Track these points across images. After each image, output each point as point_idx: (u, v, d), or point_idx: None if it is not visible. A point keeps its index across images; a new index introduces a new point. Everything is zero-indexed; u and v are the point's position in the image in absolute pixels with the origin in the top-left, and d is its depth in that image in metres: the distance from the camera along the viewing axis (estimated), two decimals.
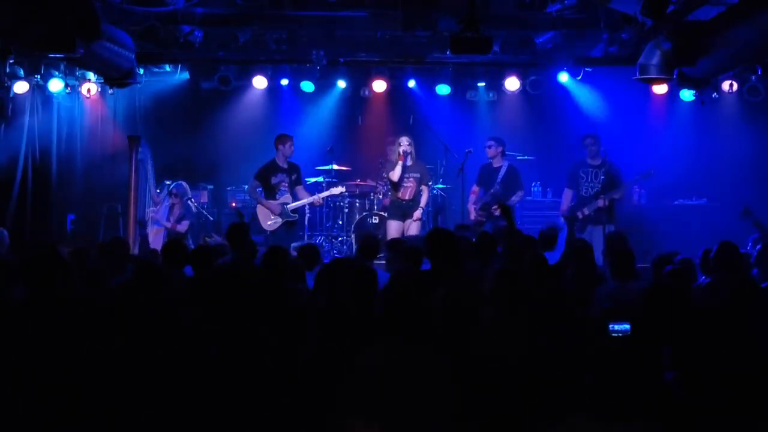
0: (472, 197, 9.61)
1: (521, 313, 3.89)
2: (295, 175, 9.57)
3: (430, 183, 9.61)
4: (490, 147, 9.49)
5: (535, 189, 11.30)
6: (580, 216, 9.01)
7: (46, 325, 3.70)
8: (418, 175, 9.21)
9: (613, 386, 2.76)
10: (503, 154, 9.51)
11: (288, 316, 4.12)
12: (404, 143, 9.14)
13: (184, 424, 3.31)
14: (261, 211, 9.52)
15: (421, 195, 9.30)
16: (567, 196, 9.24)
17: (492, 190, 9.34)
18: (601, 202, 8.83)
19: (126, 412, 3.30)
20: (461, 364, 3.14)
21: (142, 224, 9.61)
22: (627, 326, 3.14)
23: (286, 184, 9.49)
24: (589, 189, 8.99)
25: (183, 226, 9.49)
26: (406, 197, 9.16)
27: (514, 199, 9.30)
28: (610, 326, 3.25)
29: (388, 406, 2.93)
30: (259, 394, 3.32)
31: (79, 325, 3.86)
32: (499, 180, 9.38)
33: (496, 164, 9.50)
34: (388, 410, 2.93)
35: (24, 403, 3.19)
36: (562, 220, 9.27)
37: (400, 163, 9.07)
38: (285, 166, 9.50)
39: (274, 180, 9.45)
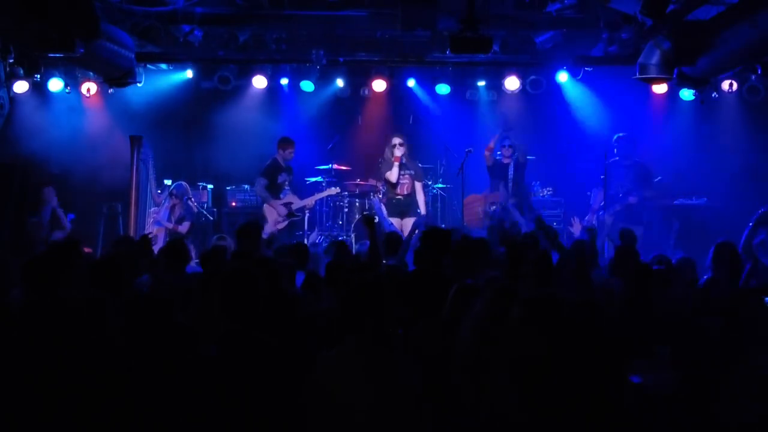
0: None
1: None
2: (291, 176, 9.67)
3: (423, 181, 9.66)
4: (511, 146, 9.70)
5: (536, 188, 11.29)
6: (607, 215, 8.93)
7: (46, 325, 3.69)
8: (412, 172, 9.33)
9: None
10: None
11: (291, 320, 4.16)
12: (396, 143, 9.21)
13: (183, 423, 3.31)
14: (269, 212, 9.53)
15: (416, 191, 9.37)
16: (598, 195, 9.20)
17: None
18: (632, 199, 8.78)
19: (125, 414, 3.30)
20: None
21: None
22: None
23: (288, 184, 9.55)
24: (619, 188, 8.93)
25: (184, 228, 9.49)
26: (404, 192, 9.25)
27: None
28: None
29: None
30: (259, 395, 3.32)
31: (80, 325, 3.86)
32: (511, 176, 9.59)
33: (506, 161, 9.70)
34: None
35: (23, 404, 3.18)
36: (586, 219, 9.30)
37: (397, 164, 9.11)
38: (285, 165, 9.56)
39: (279, 179, 9.52)
